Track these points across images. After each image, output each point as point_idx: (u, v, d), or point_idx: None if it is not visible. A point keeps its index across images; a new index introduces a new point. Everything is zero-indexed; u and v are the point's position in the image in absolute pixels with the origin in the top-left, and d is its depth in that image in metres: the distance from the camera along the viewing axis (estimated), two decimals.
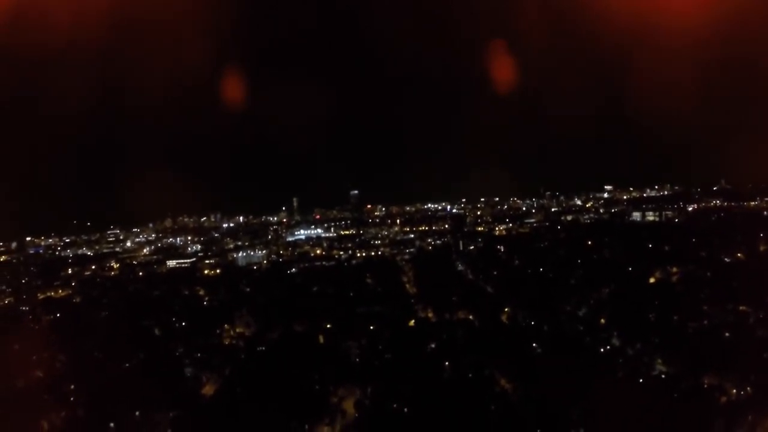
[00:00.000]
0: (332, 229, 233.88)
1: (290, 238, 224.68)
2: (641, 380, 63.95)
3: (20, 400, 76.49)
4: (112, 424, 67.13)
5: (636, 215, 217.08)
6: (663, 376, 67.04)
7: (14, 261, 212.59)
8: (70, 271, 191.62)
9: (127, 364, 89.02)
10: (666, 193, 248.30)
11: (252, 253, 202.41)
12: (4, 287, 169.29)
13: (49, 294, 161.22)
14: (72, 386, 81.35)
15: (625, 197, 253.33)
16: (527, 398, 61.63)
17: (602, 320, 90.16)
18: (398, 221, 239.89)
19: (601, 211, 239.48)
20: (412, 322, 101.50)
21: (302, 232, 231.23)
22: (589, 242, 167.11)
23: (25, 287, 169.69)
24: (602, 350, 76.72)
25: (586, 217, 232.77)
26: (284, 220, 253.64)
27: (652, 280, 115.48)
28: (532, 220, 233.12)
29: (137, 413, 68.57)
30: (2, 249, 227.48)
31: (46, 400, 76.12)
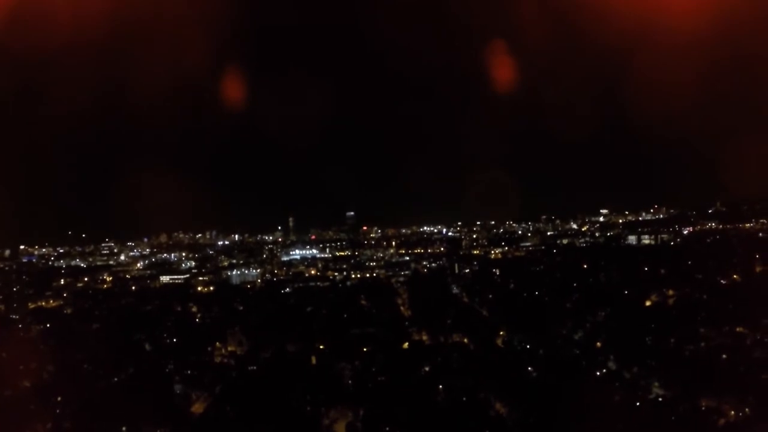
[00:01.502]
0: (327, 250, 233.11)
1: (285, 258, 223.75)
2: (638, 404, 62.91)
3: (6, 410, 75.57)
4: None
5: (632, 239, 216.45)
6: (660, 399, 66.15)
7: (6, 269, 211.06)
8: (62, 282, 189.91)
9: (115, 378, 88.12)
10: (662, 216, 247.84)
11: (246, 271, 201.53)
12: None
13: (40, 304, 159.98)
14: (59, 398, 79.90)
15: (620, 221, 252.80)
16: (522, 423, 60.68)
17: (598, 343, 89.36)
18: (394, 243, 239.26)
19: (597, 234, 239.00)
20: (406, 345, 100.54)
21: (297, 252, 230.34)
22: (585, 266, 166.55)
23: (17, 296, 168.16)
24: (599, 374, 75.67)
25: (582, 240, 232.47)
26: (280, 239, 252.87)
27: (648, 303, 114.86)
28: (528, 244, 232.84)
29: (124, 428, 67.47)
30: None
31: (32, 410, 75.02)
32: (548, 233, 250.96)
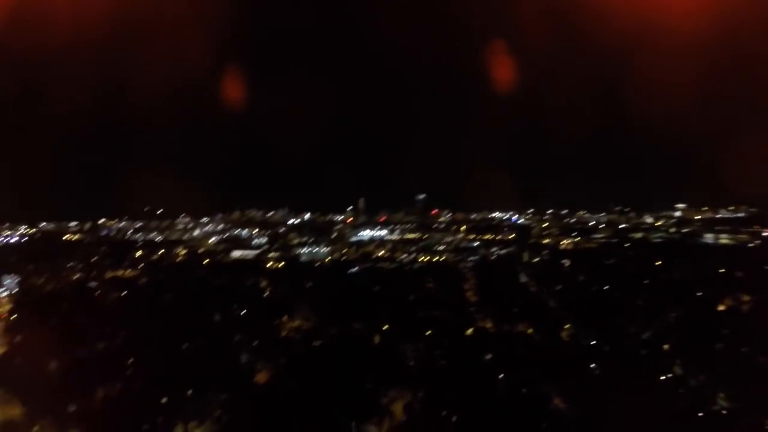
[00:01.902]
0: (396, 232, 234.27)
1: (354, 238, 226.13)
2: (701, 414, 61.51)
3: (79, 369, 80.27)
4: (164, 400, 69.41)
5: (708, 237, 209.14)
6: (725, 411, 64.20)
7: (87, 241, 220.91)
8: (138, 254, 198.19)
9: (184, 345, 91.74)
10: (741, 215, 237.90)
11: (316, 249, 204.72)
12: (75, 264, 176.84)
13: (116, 273, 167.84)
14: (130, 360, 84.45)
15: (697, 217, 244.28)
16: (581, 420, 60.33)
17: (666, 346, 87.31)
18: (463, 228, 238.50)
19: (672, 230, 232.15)
20: (470, 331, 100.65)
21: (367, 232, 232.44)
22: (658, 262, 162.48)
23: (95, 266, 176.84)
24: (663, 378, 74.22)
25: (656, 236, 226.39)
26: (350, 219, 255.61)
27: (721, 308, 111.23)
28: (600, 236, 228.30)
29: (189, 392, 70.79)
30: (77, 228, 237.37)
31: (104, 371, 79.45)
32: (621, 226, 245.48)
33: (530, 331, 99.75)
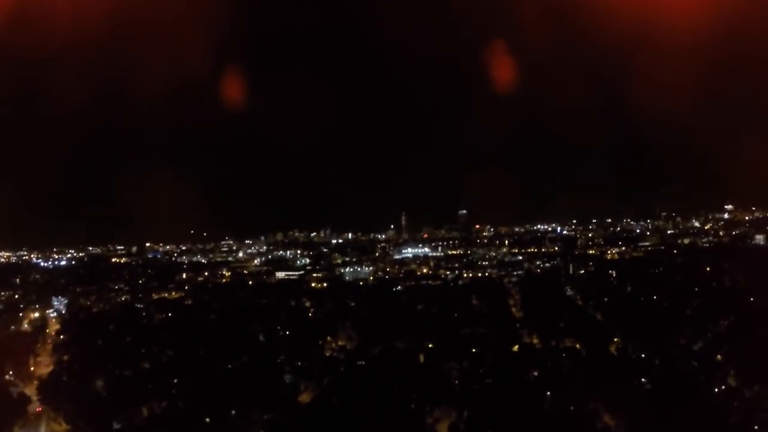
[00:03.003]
0: (440, 248, 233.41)
1: (397, 256, 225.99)
2: (756, 427, 59.48)
3: (125, 387, 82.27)
4: (207, 419, 70.40)
5: (759, 238, 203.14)
6: None
7: (133, 263, 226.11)
8: (184, 276, 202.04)
9: (229, 365, 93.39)
10: None
11: (359, 269, 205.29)
12: (122, 286, 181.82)
13: (162, 295, 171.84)
14: (175, 379, 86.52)
15: (747, 218, 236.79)
16: None
17: (719, 356, 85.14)
18: (507, 242, 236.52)
19: (721, 233, 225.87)
20: (515, 347, 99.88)
21: (410, 250, 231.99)
22: (708, 268, 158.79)
23: (142, 287, 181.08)
24: (716, 390, 72.13)
25: (705, 240, 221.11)
26: (392, 237, 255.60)
27: None
28: (647, 243, 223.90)
29: (233, 411, 71.72)
30: (124, 252, 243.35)
31: (149, 389, 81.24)
32: (668, 232, 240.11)
33: (577, 345, 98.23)
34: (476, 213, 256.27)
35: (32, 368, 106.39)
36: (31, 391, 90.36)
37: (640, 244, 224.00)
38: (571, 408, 67.29)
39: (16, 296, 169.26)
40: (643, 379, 76.31)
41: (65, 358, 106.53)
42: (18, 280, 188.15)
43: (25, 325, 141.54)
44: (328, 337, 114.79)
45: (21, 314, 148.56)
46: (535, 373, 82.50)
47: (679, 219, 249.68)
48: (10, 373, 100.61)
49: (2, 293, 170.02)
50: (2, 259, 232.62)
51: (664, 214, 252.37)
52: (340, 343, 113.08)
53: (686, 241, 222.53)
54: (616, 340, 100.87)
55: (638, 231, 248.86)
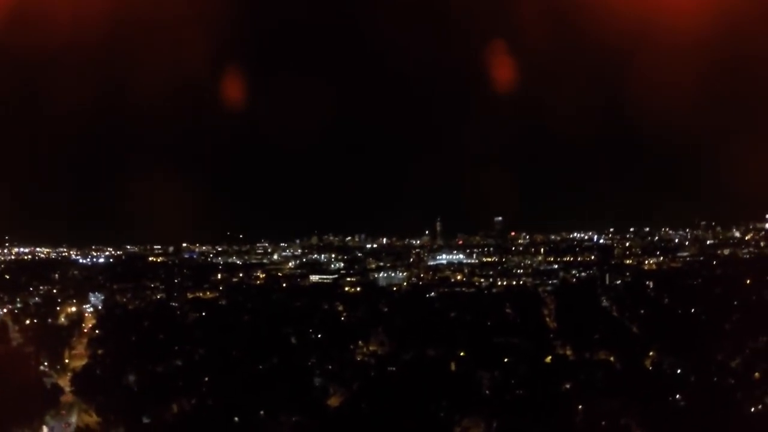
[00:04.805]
0: (474, 255, 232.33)
1: (432, 262, 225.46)
2: None
3: (156, 384, 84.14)
4: (236, 419, 71.26)
5: None
6: None
7: (169, 263, 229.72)
8: (219, 277, 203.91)
9: (260, 366, 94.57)
10: None
11: (393, 274, 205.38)
12: (158, 284, 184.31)
13: (197, 294, 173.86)
14: (206, 378, 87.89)
15: None
16: None
17: (757, 374, 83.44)
18: (542, 250, 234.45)
19: (762, 244, 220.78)
20: (548, 359, 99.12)
21: (444, 256, 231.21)
22: (748, 281, 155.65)
23: (177, 287, 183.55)
24: (753, 410, 70.76)
25: (746, 251, 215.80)
26: (427, 243, 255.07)
27: None
28: (685, 254, 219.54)
29: (262, 412, 72.45)
30: (160, 251, 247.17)
31: (180, 387, 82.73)
32: (708, 242, 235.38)
33: (612, 358, 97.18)
34: (512, 220, 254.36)
35: (67, 360, 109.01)
36: (64, 382, 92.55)
37: (679, 254, 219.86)
38: (603, 423, 66.70)
39: (54, 291, 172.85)
40: (677, 396, 75.34)
41: (99, 352, 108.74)
42: (57, 275, 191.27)
43: (62, 319, 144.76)
44: (360, 342, 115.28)
45: (58, 308, 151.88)
46: (568, 386, 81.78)
47: (719, 229, 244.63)
48: (45, 364, 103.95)
49: (41, 288, 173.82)
50: (42, 255, 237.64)
51: (704, 223, 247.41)
52: (371, 348, 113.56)
53: (726, 251, 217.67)
54: (651, 353, 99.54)
55: (677, 240, 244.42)
